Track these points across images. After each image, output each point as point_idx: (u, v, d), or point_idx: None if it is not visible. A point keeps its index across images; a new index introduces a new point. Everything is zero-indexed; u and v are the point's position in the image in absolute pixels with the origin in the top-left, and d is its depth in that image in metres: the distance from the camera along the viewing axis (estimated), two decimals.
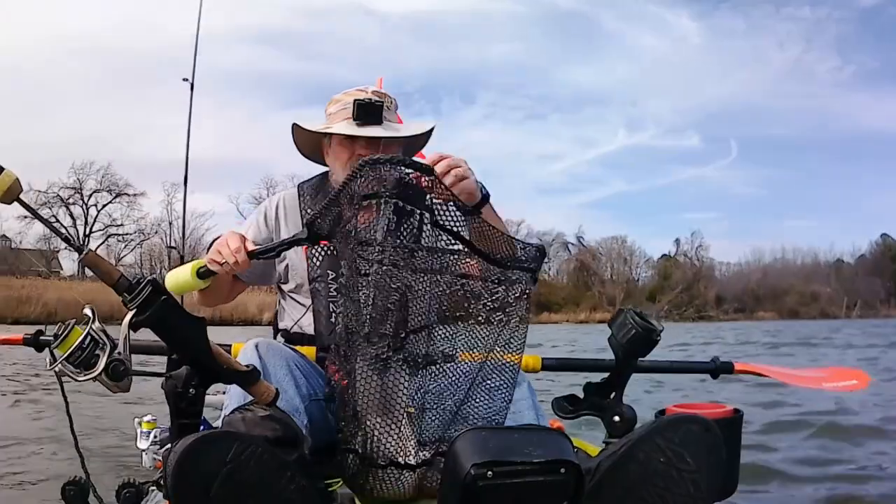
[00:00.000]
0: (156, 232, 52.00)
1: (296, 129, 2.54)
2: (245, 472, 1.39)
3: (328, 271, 2.39)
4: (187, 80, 6.17)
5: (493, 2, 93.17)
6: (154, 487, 2.00)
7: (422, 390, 1.72)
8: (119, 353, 1.52)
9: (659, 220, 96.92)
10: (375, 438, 1.65)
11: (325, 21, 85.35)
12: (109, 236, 54.41)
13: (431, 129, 2.58)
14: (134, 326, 1.52)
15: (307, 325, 2.45)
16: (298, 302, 2.51)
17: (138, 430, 3.03)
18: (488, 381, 1.76)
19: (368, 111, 2.38)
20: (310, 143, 2.58)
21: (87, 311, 1.54)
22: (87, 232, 53.72)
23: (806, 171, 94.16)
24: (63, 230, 1.63)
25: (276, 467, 1.44)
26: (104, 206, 54.31)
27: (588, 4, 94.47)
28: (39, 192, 51.43)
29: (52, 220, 51.83)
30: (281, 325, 2.60)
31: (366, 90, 2.47)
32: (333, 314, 2.36)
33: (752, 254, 71.15)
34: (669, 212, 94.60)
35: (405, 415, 1.67)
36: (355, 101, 2.37)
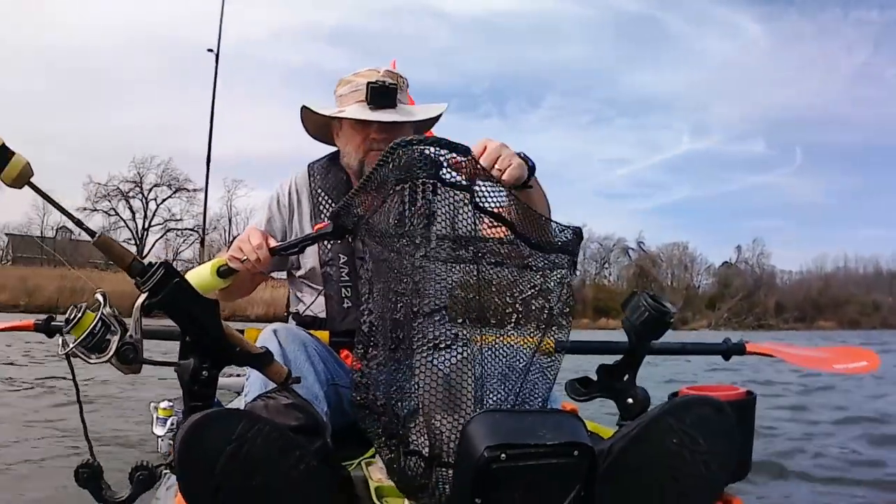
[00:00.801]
0: (214, 228, 52.22)
1: (305, 111, 2.51)
2: (251, 449, 1.39)
3: (339, 255, 2.38)
4: (212, 50, 6.15)
5: (561, 4, 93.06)
6: (167, 470, 2.00)
7: (480, 380, 1.66)
8: (130, 337, 1.52)
9: (721, 227, 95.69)
10: (444, 435, 1.56)
11: (393, 21, 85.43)
12: (168, 231, 54.76)
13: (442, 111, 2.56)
14: (146, 309, 1.52)
15: (319, 310, 2.45)
16: (311, 286, 2.50)
17: (154, 416, 3.03)
18: (536, 370, 1.72)
19: (383, 94, 2.35)
20: (319, 125, 2.55)
21: (99, 297, 1.55)
22: (147, 226, 54.44)
23: (871, 178, 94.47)
24: (75, 216, 1.62)
25: (284, 446, 1.44)
26: (163, 200, 54.69)
27: (655, 7, 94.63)
28: (99, 184, 52.44)
29: (112, 212, 53.17)
30: (293, 310, 2.60)
31: (378, 71, 2.43)
32: (346, 299, 2.36)
33: (813, 262, 70.31)
34: (732, 219, 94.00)
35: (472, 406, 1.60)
36: (369, 84, 2.35)
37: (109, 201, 53.11)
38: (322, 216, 2.48)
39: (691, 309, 61.15)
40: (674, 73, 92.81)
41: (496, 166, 1.91)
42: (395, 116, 2.38)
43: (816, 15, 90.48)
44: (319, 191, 2.54)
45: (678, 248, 67.95)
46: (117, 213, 53.88)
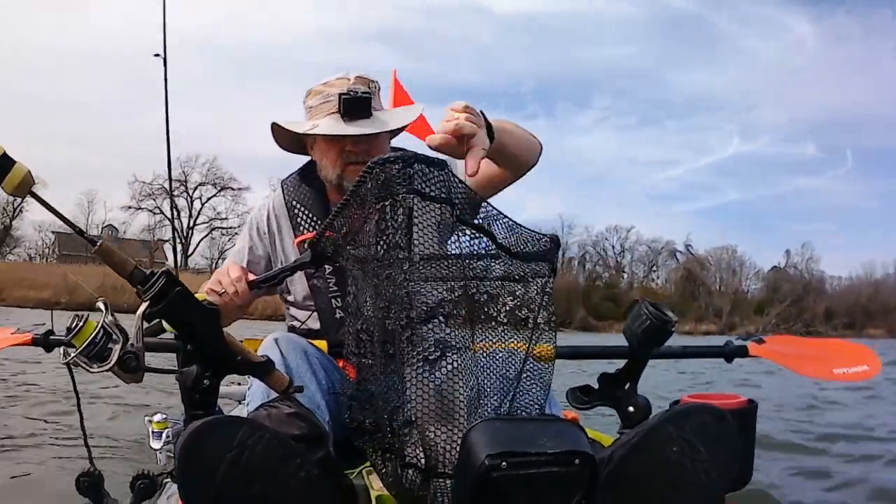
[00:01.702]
0: None
1: (276, 128, 2.46)
2: (251, 457, 1.39)
3: (325, 266, 2.37)
4: (159, 55, 6.14)
5: (608, 3, 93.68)
6: (168, 479, 2.00)
7: (473, 390, 1.65)
8: (132, 346, 1.53)
9: (770, 231, 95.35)
10: (439, 446, 1.56)
11: (439, 20, 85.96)
12: (213, 229, 55.13)
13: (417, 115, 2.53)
14: (148, 318, 1.53)
15: (314, 323, 2.45)
16: (302, 301, 2.50)
17: (150, 430, 3.03)
18: (527, 378, 1.72)
19: (356, 105, 2.30)
20: (291, 139, 2.50)
21: (100, 304, 1.55)
22: (192, 224, 55.13)
23: None
24: (76, 222, 1.62)
25: (284, 454, 1.44)
26: (208, 199, 55.49)
27: (702, 7, 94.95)
28: (144, 183, 53.00)
29: (157, 211, 53.62)
30: (288, 324, 2.60)
31: (348, 78, 2.38)
32: (337, 309, 2.36)
33: (863, 268, 69.75)
34: (781, 222, 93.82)
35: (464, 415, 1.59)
36: (341, 95, 2.29)
37: (154, 200, 53.80)
38: (301, 230, 2.48)
39: (739, 314, 61.13)
40: (722, 73, 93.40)
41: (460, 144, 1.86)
42: (370, 128, 2.33)
43: (865, 15, 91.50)
44: (295, 203, 2.52)
45: (727, 252, 67.94)
46: (162, 212, 54.56)
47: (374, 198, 1.59)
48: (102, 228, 53.19)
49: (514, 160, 2.24)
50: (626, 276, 68.23)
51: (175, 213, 52.69)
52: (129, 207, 54.36)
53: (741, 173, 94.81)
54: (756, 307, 62.97)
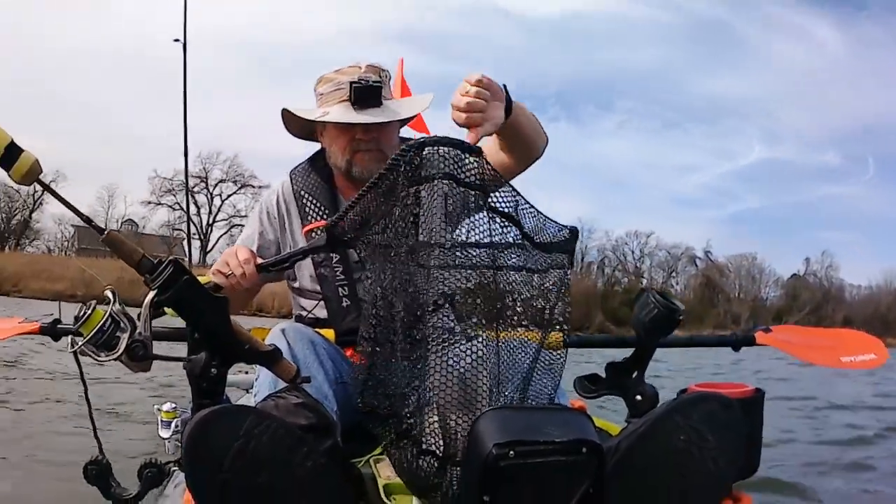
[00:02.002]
0: None
1: (286, 114, 2.49)
2: (258, 446, 1.39)
3: (332, 255, 2.37)
4: (179, 40, 6.10)
5: (633, 8, 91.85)
6: (176, 467, 2.00)
7: (495, 377, 1.64)
8: (140, 334, 1.53)
9: (790, 239, 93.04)
10: (459, 434, 1.53)
11: (464, 22, 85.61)
12: (233, 227, 55.24)
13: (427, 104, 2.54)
14: (155, 306, 1.52)
15: (321, 312, 2.45)
16: (309, 290, 2.50)
17: (159, 419, 3.04)
18: (540, 367, 1.72)
19: (367, 94, 2.32)
20: (301, 125, 2.52)
21: (108, 293, 1.55)
22: (211, 221, 55.65)
23: None
24: (84, 213, 1.62)
25: (291, 443, 1.44)
26: (228, 196, 55.75)
27: (727, 12, 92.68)
28: (165, 178, 53.43)
29: (176, 206, 53.77)
30: (295, 313, 2.60)
31: (360, 67, 2.39)
32: (344, 298, 2.36)
33: (883, 277, 68.39)
34: (802, 230, 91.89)
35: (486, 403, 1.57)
36: (352, 84, 2.31)
37: (174, 196, 53.84)
38: (309, 219, 2.48)
39: (758, 321, 60.13)
40: (746, 78, 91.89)
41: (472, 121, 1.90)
42: (381, 116, 2.35)
43: (888, 21, 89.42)
44: (303, 193, 2.52)
45: (746, 259, 67.03)
46: (182, 208, 54.32)
47: (408, 181, 1.59)
48: (122, 223, 53.40)
49: (524, 144, 2.23)
50: (644, 281, 67.56)
51: (195, 209, 53.24)
52: (149, 203, 54.46)
53: (762, 180, 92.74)
54: (775, 315, 61.78)
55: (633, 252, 67.78)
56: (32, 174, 1.49)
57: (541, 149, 2.32)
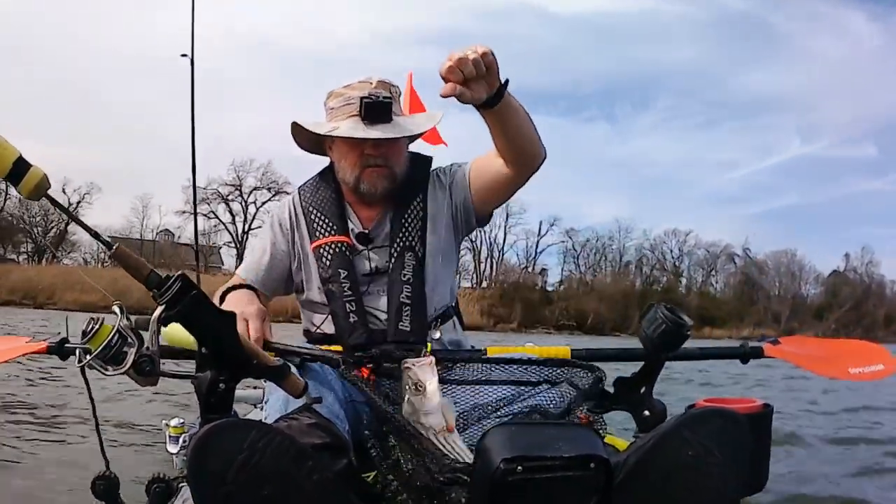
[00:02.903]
0: None
1: (296, 128, 2.49)
2: (262, 459, 1.39)
3: (340, 270, 2.38)
4: (186, 55, 6.11)
5: (668, 4, 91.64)
6: (184, 483, 2.01)
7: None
8: (147, 349, 1.53)
9: (830, 235, 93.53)
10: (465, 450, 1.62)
11: (500, 23, 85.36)
12: None
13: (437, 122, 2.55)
14: (163, 322, 1.53)
15: (329, 328, 2.44)
16: (317, 305, 2.49)
17: (167, 434, 3.04)
18: None
19: (378, 109, 2.33)
20: (311, 139, 2.52)
21: (115, 308, 1.55)
22: (246, 229, 56.01)
23: None
24: (89, 226, 1.63)
25: (296, 457, 1.44)
26: (263, 203, 56.08)
27: (762, 6, 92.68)
28: (199, 188, 53.09)
29: (211, 215, 54.29)
30: (304, 328, 2.59)
31: (370, 82, 2.40)
32: (351, 314, 2.35)
33: None
34: (842, 226, 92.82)
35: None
36: (363, 100, 2.32)
37: (209, 204, 54.52)
38: (318, 235, 2.47)
39: (798, 319, 60.46)
40: (783, 73, 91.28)
41: (471, 60, 1.93)
42: (391, 132, 2.35)
43: None
44: (311, 209, 2.52)
45: (786, 256, 66.97)
46: (217, 217, 55.61)
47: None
48: (157, 233, 54.04)
49: (516, 142, 2.25)
50: (683, 280, 67.95)
51: (229, 217, 53.54)
52: (184, 212, 54.71)
53: (801, 175, 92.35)
54: (815, 312, 62.24)
55: (671, 251, 67.71)
56: (41, 189, 1.49)
57: (537, 158, 2.34)
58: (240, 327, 1.88)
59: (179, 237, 54.65)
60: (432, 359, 1.68)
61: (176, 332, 1.92)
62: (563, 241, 65.18)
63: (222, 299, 2.34)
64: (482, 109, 2.09)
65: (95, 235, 1.61)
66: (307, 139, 2.53)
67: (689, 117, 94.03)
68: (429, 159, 2.61)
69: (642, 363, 2.03)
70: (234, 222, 55.18)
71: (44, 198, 1.52)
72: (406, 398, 1.65)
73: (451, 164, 2.60)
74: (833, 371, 2.43)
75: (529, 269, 63.74)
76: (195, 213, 6.71)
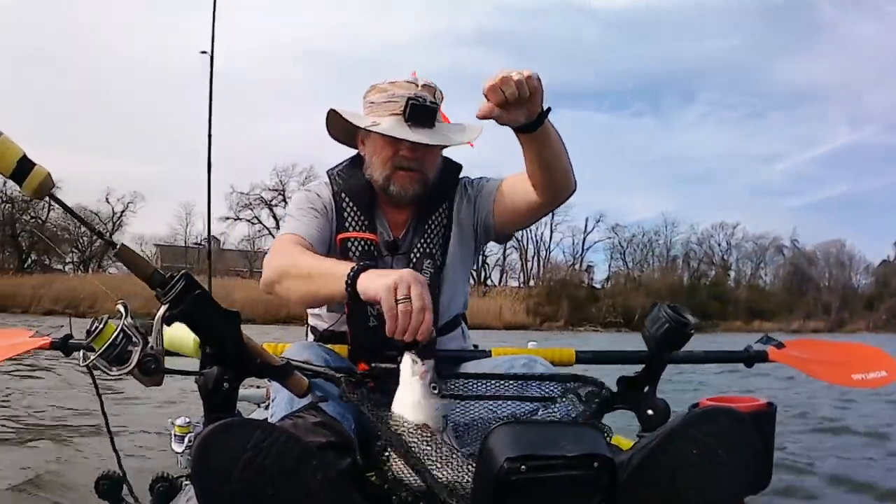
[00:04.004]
0: None
1: (333, 115, 2.43)
2: (267, 459, 1.38)
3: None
4: (206, 52, 6.11)
5: None
6: (188, 481, 2.01)
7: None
8: (152, 349, 1.53)
9: (880, 223, 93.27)
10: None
11: (538, 21, 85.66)
12: None
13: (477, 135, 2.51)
14: (167, 321, 1.52)
15: (340, 326, 2.42)
16: (336, 307, 2.42)
17: (172, 433, 3.04)
18: None
19: (424, 113, 2.28)
20: (342, 128, 2.47)
21: (120, 307, 1.55)
22: None
23: None
24: (97, 226, 1.63)
25: (301, 456, 1.43)
26: None
27: None
28: (242, 194, 54.76)
29: (255, 221, 54.58)
30: (311, 323, 2.57)
31: (416, 84, 2.34)
32: (371, 317, 2.31)
33: None
34: (891, 214, 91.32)
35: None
36: (410, 101, 2.27)
37: (252, 210, 55.09)
38: (346, 226, 2.41)
39: (848, 310, 60.47)
40: (826, 61, 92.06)
41: (514, 82, 1.89)
42: (434, 139, 2.31)
43: None
44: (343, 195, 2.45)
45: (835, 246, 66.53)
46: (260, 222, 56.48)
47: None
48: (203, 240, 54.15)
49: (548, 170, 2.21)
50: (732, 273, 67.60)
51: (273, 223, 53.93)
52: (227, 218, 55.34)
53: (848, 164, 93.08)
54: (866, 302, 61.96)
55: (719, 244, 67.34)
56: (44, 188, 1.49)
57: (566, 189, 2.30)
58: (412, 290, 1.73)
59: (224, 243, 54.96)
60: (425, 368, 1.69)
61: (176, 338, 1.93)
62: (609, 238, 65.31)
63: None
64: (519, 133, 2.06)
65: (99, 234, 1.62)
66: (340, 129, 2.49)
67: (733, 109, 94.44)
68: (459, 167, 2.57)
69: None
70: (277, 227, 55.67)
71: (47, 196, 1.52)
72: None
73: (481, 178, 2.57)
74: (836, 377, 2.43)
75: (576, 267, 63.71)
76: (209, 213, 6.66)
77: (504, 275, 65.02)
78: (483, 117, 1.95)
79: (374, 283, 1.78)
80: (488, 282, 61.69)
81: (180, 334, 1.93)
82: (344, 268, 1.88)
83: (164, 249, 54.18)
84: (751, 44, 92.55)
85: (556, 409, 1.91)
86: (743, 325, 52.61)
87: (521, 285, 61.12)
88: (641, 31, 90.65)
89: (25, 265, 51.49)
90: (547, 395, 1.92)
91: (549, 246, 63.63)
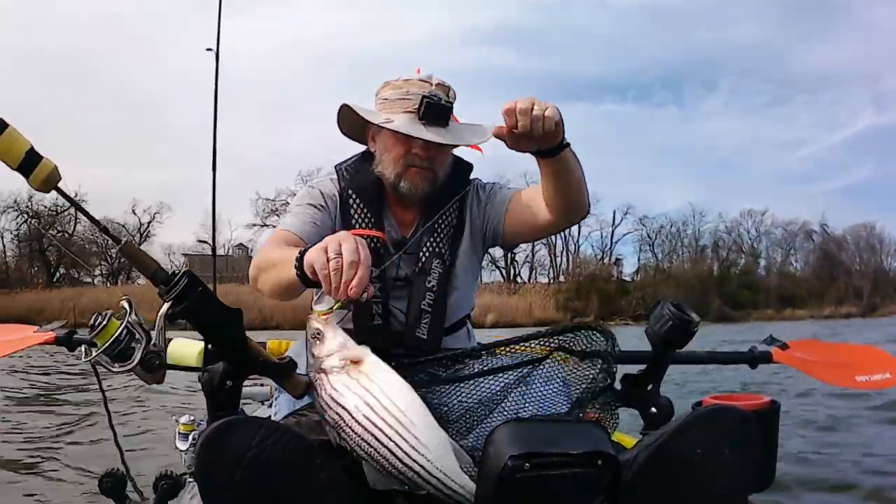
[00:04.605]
0: None
1: (346, 110, 2.41)
2: (272, 456, 1.39)
3: (371, 269, 2.33)
4: (211, 49, 6.10)
5: None
6: (192, 479, 2.01)
7: None
8: (154, 346, 1.53)
9: None
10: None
11: (556, 15, 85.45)
12: None
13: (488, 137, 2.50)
14: (170, 318, 1.52)
15: (345, 324, 2.41)
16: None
17: (176, 431, 3.04)
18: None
19: (438, 112, 2.28)
20: (353, 124, 2.46)
21: (124, 304, 1.55)
22: None
23: None
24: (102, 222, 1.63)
25: (305, 454, 1.44)
26: None
27: None
28: (267, 200, 55.28)
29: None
30: None
31: (430, 83, 2.34)
32: (377, 315, 2.31)
33: None
34: None
35: None
36: (425, 98, 2.26)
37: (278, 216, 55.03)
38: (353, 223, 2.40)
39: (879, 294, 60.08)
40: (846, 45, 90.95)
41: (531, 115, 1.89)
42: (448, 138, 2.31)
43: None
44: (350, 191, 2.44)
45: (865, 229, 65.82)
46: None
47: None
48: (231, 248, 54.75)
49: (563, 194, 2.22)
50: (762, 261, 67.05)
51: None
52: (254, 225, 55.81)
53: (874, 147, 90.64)
54: None
55: (748, 232, 66.72)
56: (51, 181, 1.49)
57: (579, 212, 2.31)
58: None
59: (252, 250, 55.17)
60: (330, 317, 1.64)
61: (180, 353, 1.93)
62: (637, 230, 64.84)
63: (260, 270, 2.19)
64: (536, 155, 2.07)
65: (104, 230, 1.62)
66: (351, 125, 2.48)
67: (755, 96, 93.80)
68: (469, 167, 2.57)
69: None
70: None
71: (53, 190, 1.52)
72: (308, 352, 1.61)
73: (494, 183, 2.58)
74: (840, 379, 2.43)
75: (605, 261, 63.28)
76: (213, 215, 6.66)
77: (533, 271, 64.66)
78: (496, 135, 1.95)
79: (310, 252, 1.71)
80: (518, 279, 61.55)
81: (184, 350, 1.93)
82: (295, 252, 1.82)
83: (192, 259, 54.07)
84: (771, 30, 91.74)
85: (547, 371, 1.86)
86: (774, 314, 52.03)
87: (551, 281, 60.88)
88: (661, 21, 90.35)
89: (54, 279, 51.84)
90: (530, 358, 1.85)
91: (577, 240, 63.26)
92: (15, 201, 50.91)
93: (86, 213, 1.64)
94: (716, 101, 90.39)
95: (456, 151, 2.48)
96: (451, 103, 2.33)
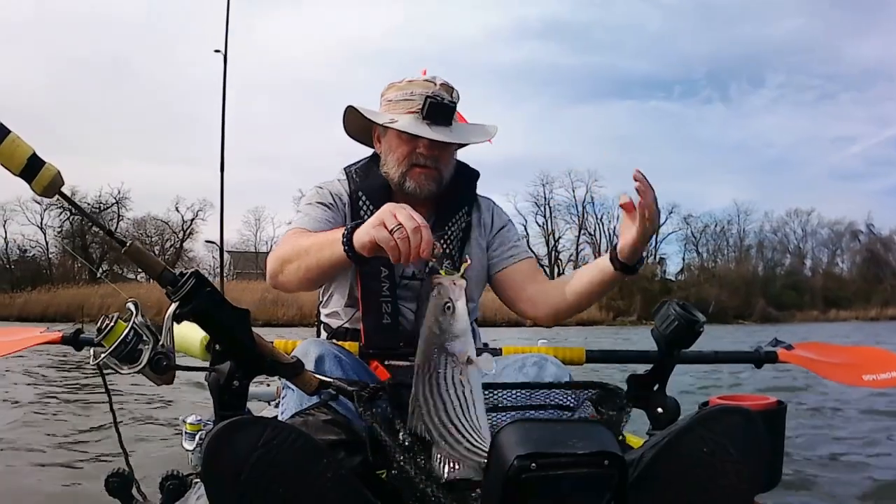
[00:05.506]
0: None
1: (351, 111, 2.44)
2: (278, 456, 1.39)
3: (382, 269, 2.34)
4: (219, 51, 6.11)
5: None
6: (198, 479, 2.01)
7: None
8: (162, 347, 1.53)
9: None
10: None
11: (602, 11, 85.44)
12: None
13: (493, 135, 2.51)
14: (177, 319, 1.53)
15: (354, 323, 2.42)
16: (350, 302, 2.45)
17: (183, 431, 3.05)
18: None
19: (442, 112, 2.31)
20: (361, 126, 2.48)
21: (131, 306, 1.55)
22: None
23: None
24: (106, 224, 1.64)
25: (311, 454, 1.43)
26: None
27: None
28: None
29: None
30: (325, 320, 2.57)
31: (434, 83, 2.36)
32: (386, 315, 2.33)
33: None
34: None
35: None
36: (429, 99, 2.29)
37: None
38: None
39: None
40: (895, 39, 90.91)
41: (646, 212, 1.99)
42: (453, 137, 2.33)
43: None
44: (360, 193, 2.45)
45: None
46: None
47: None
48: (273, 245, 54.82)
49: (588, 303, 2.42)
50: (808, 262, 66.65)
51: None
52: (288, 223, 55.74)
53: None
54: None
55: (794, 232, 66.38)
56: (54, 186, 1.49)
57: (556, 321, 2.47)
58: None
59: None
60: (464, 282, 1.59)
61: (184, 338, 1.93)
62: (681, 229, 64.41)
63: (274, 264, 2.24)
64: (615, 267, 2.19)
65: (109, 233, 1.61)
66: (357, 126, 2.51)
67: (803, 92, 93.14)
68: (476, 173, 2.60)
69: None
70: None
71: (57, 195, 1.52)
72: (434, 318, 1.57)
73: (509, 222, 2.64)
74: (847, 377, 2.43)
75: (649, 260, 61.99)
76: (221, 212, 6.67)
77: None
78: (622, 204, 2.04)
79: (363, 230, 1.81)
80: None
81: (188, 335, 1.93)
82: (338, 233, 1.91)
83: (236, 256, 55.02)
84: (817, 24, 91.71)
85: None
86: (819, 315, 52.02)
87: None
88: (707, 17, 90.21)
89: (97, 275, 52.21)
90: (563, 404, 1.91)
91: None
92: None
93: (91, 218, 1.65)
94: (762, 98, 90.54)
95: (461, 154, 2.50)
96: (455, 103, 2.35)
